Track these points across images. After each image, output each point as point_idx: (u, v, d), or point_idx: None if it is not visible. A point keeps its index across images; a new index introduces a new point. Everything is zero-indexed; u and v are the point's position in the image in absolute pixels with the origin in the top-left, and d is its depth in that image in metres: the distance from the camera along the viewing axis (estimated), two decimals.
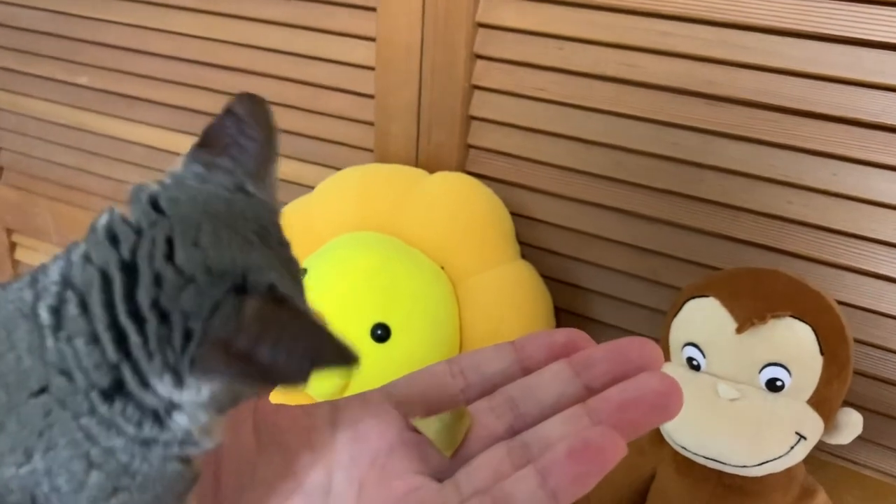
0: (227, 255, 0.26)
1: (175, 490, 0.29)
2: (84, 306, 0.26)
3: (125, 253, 0.26)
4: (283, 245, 0.30)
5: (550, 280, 0.82)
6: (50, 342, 0.26)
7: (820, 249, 0.72)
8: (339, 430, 0.36)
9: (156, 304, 0.26)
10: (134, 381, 0.26)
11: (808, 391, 0.63)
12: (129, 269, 0.26)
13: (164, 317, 0.26)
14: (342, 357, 0.26)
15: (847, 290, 0.71)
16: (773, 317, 0.62)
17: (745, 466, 0.62)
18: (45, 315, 0.26)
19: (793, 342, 0.62)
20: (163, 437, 0.27)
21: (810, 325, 0.62)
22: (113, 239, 0.27)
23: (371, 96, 0.88)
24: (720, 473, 0.66)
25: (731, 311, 0.64)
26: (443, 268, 0.78)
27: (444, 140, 0.85)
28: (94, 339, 0.26)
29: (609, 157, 0.77)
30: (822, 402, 0.63)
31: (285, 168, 0.97)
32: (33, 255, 1.25)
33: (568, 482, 0.30)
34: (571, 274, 0.84)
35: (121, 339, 0.26)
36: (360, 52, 0.86)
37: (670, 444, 0.68)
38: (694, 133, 0.74)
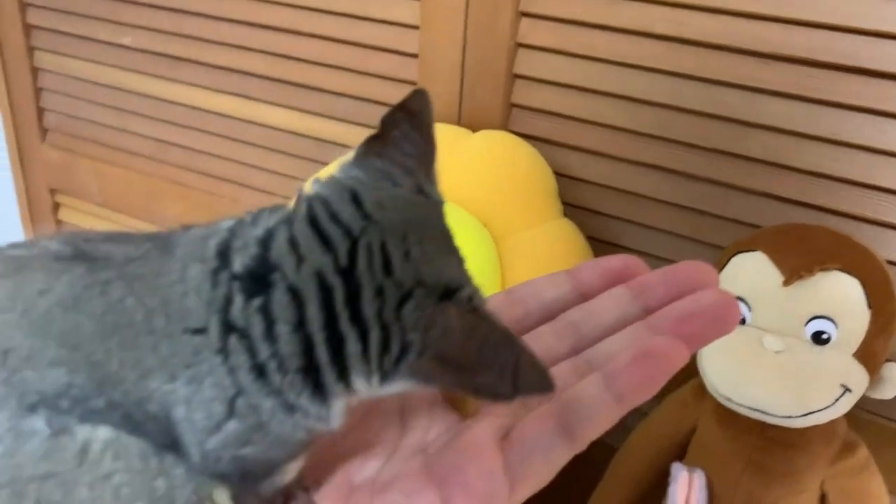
0: (436, 269, 0.29)
1: (294, 453, 0.31)
2: (295, 296, 0.28)
3: (342, 260, 0.28)
4: (458, 248, 0.32)
5: (593, 240, 0.83)
6: (226, 293, 0.29)
7: (865, 207, 0.72)
8: None
9: (378, 316, 0.28)
10: (332, 376, 0.29)
11: (854, 344, 0.63)
12: (347, 277, 0.28)
13: (384, 328, 0.28)
14: (542, 381, 0.29)
15: (892, 249, 0.71)
16: (821, 270, 0.62)
17: (789, 417, 0.63)
18: (239, 268, 0.29)
19: (840, 295, 0.63)
20: (312, 411, 0.30)
21: (858, 279, 0.63)
22: (325, 240, 0.29)
23: (415, 56, 0.88)
24: (763, 426, 0.67)
25: (779, 264, 0.64)
26: (485, 226, 0.79)
27: (487, 99, 0.85)
28: (301, 331, 0.28)
29: (656, 115, 0.78)
30: (868, 356, 0.64)
31: (328, 129, 0.98)
32: (76, 215, 1.28)
33: (633, 386, 0.31)
34: (615, 234, 0.84)
35: (335, 342, 0.28)
36: (405, 11, 0.87)
37: (713, 398, 0.69)
38: (741, 91, 0.74)
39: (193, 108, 1.08)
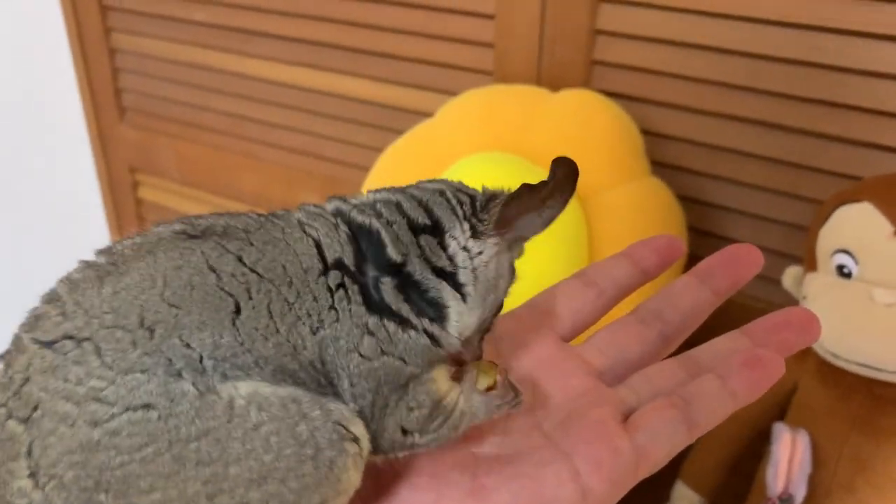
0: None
1: (428, 358, 0.35)
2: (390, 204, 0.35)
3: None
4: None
5: (682, 199, 0.81)
6: (347, 234, 0.34)
7: None
8: (499, 342, 0.40)
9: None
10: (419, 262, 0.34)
11: None
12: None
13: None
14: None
15: None
16: None
17: None
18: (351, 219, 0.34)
19: None
20: (429, 329, 0.34)
21: None
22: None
23: (491, 16, 0.87)
24: (871, 383, 0.65)
25: (888, 214, 0.62)
26: None
27: (568, 57, 0.83)
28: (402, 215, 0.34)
29: (746, 65, 0.75)
30: None
31: (402, 96, 0.98)
32: (156, 193, 1.31)
33: (745, 386, 0.36)
34: (704, 191, 0.82)
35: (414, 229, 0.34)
36: None
37: (814, 357, 0.67)
38: (837, 35, 0.70)
39: (267, 81, 1.09)
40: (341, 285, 0.33)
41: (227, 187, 1.20)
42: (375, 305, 0.33)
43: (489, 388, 0.36)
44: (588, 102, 0.80)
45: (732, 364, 0.36)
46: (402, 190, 0.36)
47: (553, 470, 0.35)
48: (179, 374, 0.29)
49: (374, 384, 0.33)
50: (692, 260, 0.82)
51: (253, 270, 0.32)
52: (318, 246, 0.33)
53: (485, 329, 0.37)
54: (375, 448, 0.34)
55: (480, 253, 0.35)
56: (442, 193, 0.36)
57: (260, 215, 0.35)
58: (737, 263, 0.41)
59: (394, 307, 0.33)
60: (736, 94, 0.76)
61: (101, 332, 0.30)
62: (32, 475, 0.29)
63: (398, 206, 0.35)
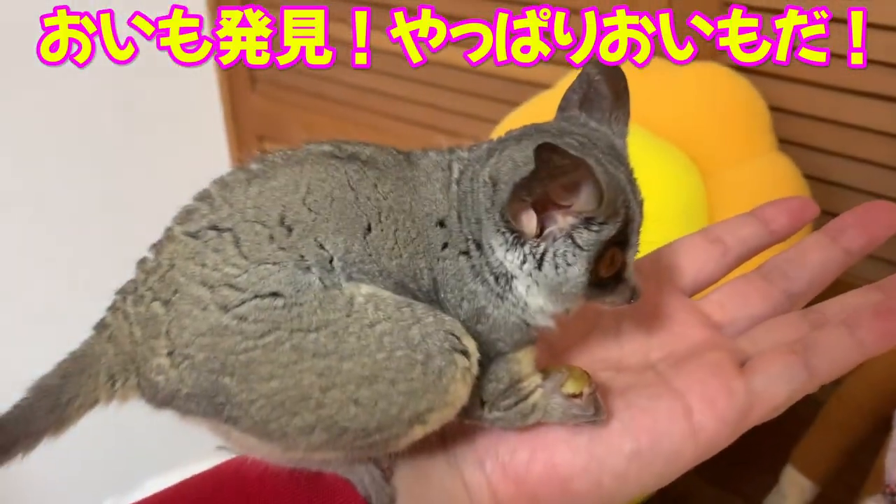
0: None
1: (516, 337, 0.35)
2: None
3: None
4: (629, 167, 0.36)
5: (809, 178, 0.78)
6: (454, 188, 0.34)
7: None
8: None
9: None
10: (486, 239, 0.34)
11: None
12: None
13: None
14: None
15: None
16: None
17: None
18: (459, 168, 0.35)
19: None
20: (509, 297, 0.34)
21: None
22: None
23: None
24: None
25: None
26: (693, 160, 0.77)
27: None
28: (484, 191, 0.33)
29: (882, 38, 0.72)
30: None
31: (521, 69, 0.98)
32: None
33: (875, 336, 0.34)
34: (834, 171, 0.79)
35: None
36: None
37: None
38: None
39: (387, 52, 1.12)
40: (446, 245, 0.34)
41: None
42: (473, 269, 0.34)
43: (574, 396, 0.35)
44: (715, 76, 0.79)
45: (862, 314, 0.35)
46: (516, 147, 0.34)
47: (666, 405, 0.35)
48: (308, 269, 0.31)
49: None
50: None
51: (385, 198, 0.33)
52: (435, 197, 0.34)
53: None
54: None
55: (524, 261, 0.34)
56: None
57: (399, 152, 0.36)
58: (872, 220, 0.39)
59: (474, 282, 0.34)
60: (871, 69, 0.73)
61: (242, 224, 0.32)
62: (170, 354, 0.32)
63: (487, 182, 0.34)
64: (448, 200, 0.34)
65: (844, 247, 0.39)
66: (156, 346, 0.32)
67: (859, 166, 0.78)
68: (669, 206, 0.73)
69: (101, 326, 0.34)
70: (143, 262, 0.34)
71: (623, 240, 0.34)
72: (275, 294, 0.31)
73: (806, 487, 0.77)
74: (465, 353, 0.32)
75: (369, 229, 0.33)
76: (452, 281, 0.34)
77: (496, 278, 0.34)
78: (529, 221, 0.33)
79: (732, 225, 0.42)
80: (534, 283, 0.34)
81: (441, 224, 0.34)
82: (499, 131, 0.88)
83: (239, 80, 1.34)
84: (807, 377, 0.35)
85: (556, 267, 0.33)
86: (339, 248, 0.32)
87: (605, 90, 0.36)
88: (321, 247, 0.32)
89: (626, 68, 0.86)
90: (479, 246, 0.34)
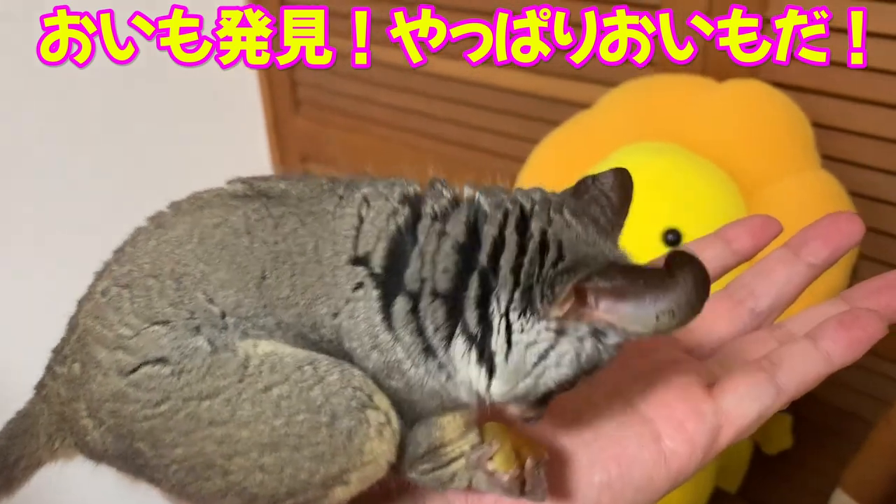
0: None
1: (432, 405, 0.32)
2: (471, 230, 0.31)
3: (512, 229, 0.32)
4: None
5: (854, 195, 0.77)
6: (398, 226, 0.31)
7: None
8: None
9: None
10: (472, 309, 0.30)
11: None
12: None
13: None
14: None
15: None
16: None
17: None
18: (430, 210, 0.31)
19: None
20: (441, 357, 0.30)
21: None
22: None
23: (655, 6, 0.86)
24: None
25: None
26: (733, 178, 0.76)
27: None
28: (462, 255, 0.30)
29: None
30: None
31: (554, 87, 0.98)
32: None
33: (841, 347, 0.34)
34: (880, 188, 0.78)
35: (486, 282, 0.30)
36: None
37: None
38: None
39: (428, 74, 1.13)
40: (361, 285, 0.30)
41: (389, 175, 1.25)
42: (390, 319, 0.30)
43: (508, 470, 0.32)
44: (755, 92, 0.78)
45: (826, 326, 0.35)
46: (513, 206, 0.31)
47: (634, 432, 0.34)
48: (198, 329, 0.29)
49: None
50: (865, 260, 0.79)
51: (284, 240, 0.31)
52: (357, 230, 0.31)
53: (537, 400, 0.32)
54: None
55: (523, 332, 0.30)
56: (526, 242, 0.30)
57: (331, 181, 0.33)
58: (833, 232, 0.38)
59: (398, 331, 0.30)
60: None
61: (138, 279, 0.31)
62: (90, 416, 0.31)
63: (470, 225, 0.31)
64: (376, 236, 0.31)
65: (808, 261, 0.39)
66: (78, 408, 0.31)
67: None
68: (708, 220, 0.73)
69: (39, 386, 0.33)
70: (70, 319, 0.33)
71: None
72: (162, 360, 0.29)
73: None
74: (377, 408, 0.30)
75: (263, 277, 0.30)
76: (363, 326, 0.30)
77: (436, 330, 0.30)
78: (566, 302, 0.29)
79: (696, 247, 0.41)
80: (504, 358, 0.30)
81: (356, 262, 0.31)
82: (540, 150, 0.88)
83: (282, 103, 1.37)
84: (775, 394, 0.34)
85: (558, 357, 0.30)
86: (229, 302, 0.30)
87: (616, 200, 0.34)
88: (210, 301, 0.30)
89: (663, 84, 0.86)
90: (434, 292, 0.30)
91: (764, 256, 0.40)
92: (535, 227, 0.30)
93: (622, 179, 0.34)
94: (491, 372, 0.30)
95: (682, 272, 0.27)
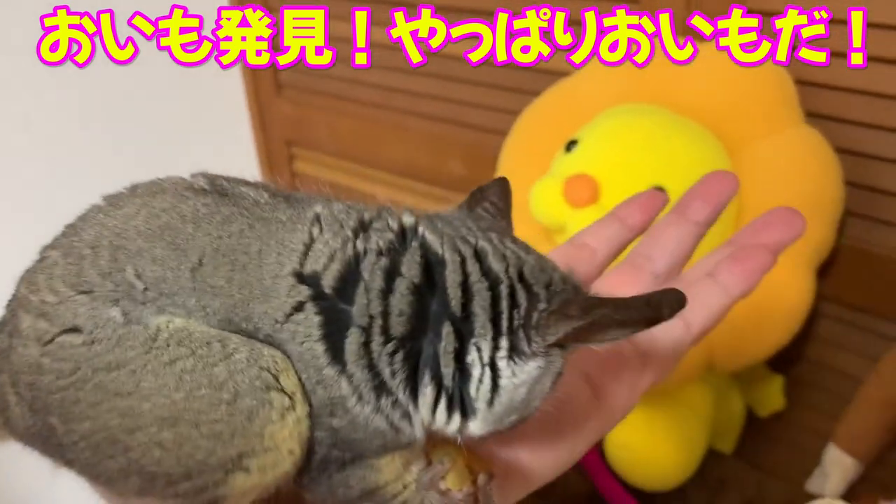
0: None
1: (376, 444, 0.31)
2: (426, 266, 0.31)
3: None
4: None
5: (840, 151, 0.77)
6: (355, 252, 0.30)
7: None
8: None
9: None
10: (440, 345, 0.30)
11: None
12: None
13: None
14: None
15: None
16: None
17: None
18: (378, 238, 0.31)
19: None
20: (397, 394, 0.30)
21: None
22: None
23: None
24: None
25: None
26: (718, 138, 0.76)
27: (716, 6, 0.82)
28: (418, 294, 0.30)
29: None
30: None
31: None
32: (310, 166, 1.38)
33: (735, 278, 0.38)
34: (865, 143, 0.78)
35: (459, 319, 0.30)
36: None
37: None
38: None
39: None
40: (302, 306, 0.30)
41: (376, 157, 1.25)
42: (335, 351, 0.29)
43: (462, 488, 0.32)
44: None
45: (721, 262, 0.39)
46: (464, 246, 0.31)
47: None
48: (116, 301, 0.29)
49: (318, 433, 0.30)
50: (853, 217, 0.79)
51: (229, 237, 0.30)
52: (306, 246, 0.30)
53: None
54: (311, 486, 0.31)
55: (514, 375, 0.30)
56: (495, 285, 0.30)
57: (289, 195, 0.33)
58: (711, 190, 0.42)
59: (348, 365, 0.29)
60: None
61: (77, 248, 0.31)
62: (14, 390, 0.30)
63: (424, 266, 0.30)
64: (329, 256, 0.30)
65: (693, 220, 0.42)
66: (3, 381, 0.31)
67: (893, 137, 0.76)
68: (695, 179, 0.72)
69: None
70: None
71: None
72: (76, 329, 0.29)
73: (849, 465, 0.75)
74: (282, 391, 0.29)
75: (200, 264, 0.30)
76: (308, 356, 0.29)
77: (393, 374, 0.30)
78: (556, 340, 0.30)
79: (594, 228, 0.44)
80: (488, 403, 0.30)
81: (300, 278, 0.30)
82: (522, 120, 0.88)
83: (265, 86, 1.36)
84: (684, 327, 0.38)
85: (544, 378, 0.31)
86: (154, 278, 0.30)
87: (503, 207, 0.35)
88: (138, 276, 0.30)
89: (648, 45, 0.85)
90: (387, 333, 0.29)
91: (654, 224, 0.44)
92: (497, 268, 0.30)
93: (504, 187, 0.36)
94: (465, 415, 0.31)
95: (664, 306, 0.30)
